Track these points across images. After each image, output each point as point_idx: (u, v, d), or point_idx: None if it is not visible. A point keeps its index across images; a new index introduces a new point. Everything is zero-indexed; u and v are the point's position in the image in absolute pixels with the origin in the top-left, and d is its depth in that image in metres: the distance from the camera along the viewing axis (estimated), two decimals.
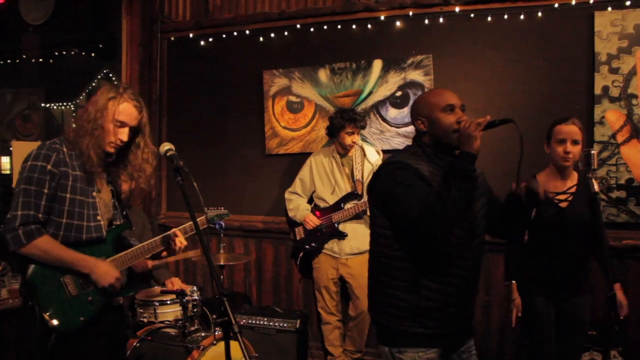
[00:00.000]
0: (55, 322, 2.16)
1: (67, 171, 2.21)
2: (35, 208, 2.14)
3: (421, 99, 2.22)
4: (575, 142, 2.76)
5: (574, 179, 2.85)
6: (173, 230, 2.52)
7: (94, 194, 2.28)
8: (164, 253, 2.56)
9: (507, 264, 3.02)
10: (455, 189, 1.93)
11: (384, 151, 4.13)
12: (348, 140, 3.92)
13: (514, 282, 2.96)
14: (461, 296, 2.09)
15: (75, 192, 2.22)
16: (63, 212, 2.20)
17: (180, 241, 2.49)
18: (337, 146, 4.06)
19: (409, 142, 4.04)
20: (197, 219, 2.09)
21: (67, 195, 2.20)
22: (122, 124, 2.26)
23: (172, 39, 4.94)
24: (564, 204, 2.80)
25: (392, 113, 4.20)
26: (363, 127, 4.01)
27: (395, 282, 2.08)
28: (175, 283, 3.62)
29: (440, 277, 2.04)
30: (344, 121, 3.89)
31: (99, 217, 2.29)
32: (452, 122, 2.06)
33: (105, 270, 2.24)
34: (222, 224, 3.28)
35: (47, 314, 2.15)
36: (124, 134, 2.27)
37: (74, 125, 2.31)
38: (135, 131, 2.33)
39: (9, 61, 7.17)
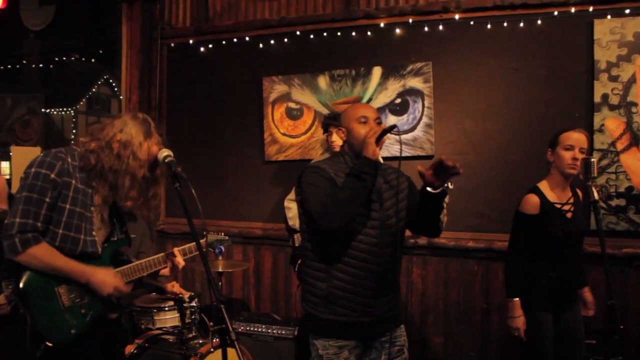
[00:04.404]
0: (45, 332, 2.10)
1: (69, 182, 2.16)
2: (34, 217, 2.09)
3: (344, 111, 2.49)
4: (582, 151, 2.72)
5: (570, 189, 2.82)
6: (173, 250, 2.47)
7: (92, 208, 2.24)
8: (166, 271, 2.51)
9: (509, 280, 2.85)
10: (348, 188, 2.20)
11: (384, 158, 4.09)
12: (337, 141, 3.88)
13: (517, 299, 2.79)
14: (372, 288, 2.29)
15: (76, 204, 2.17)
16: (61, 222, 2.15)
17: (179, 261, 2.44)
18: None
19: (408, 149, 4.12)
20: (199, 240, 2.07)
21: (67, 206, 2.15)
22: None
23: (172, 45, 4.95)
24: (569, 215, 2.77)
25: (391, 120, 4.18)
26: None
27: (312, 272, 2.36)
28: (175, 286, 3.61)
29: (348, 268, 2.28)
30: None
31: (94, 233, 2.24)
32: (364, 132, 2.32)
33: (103, 278, 2.18)
34: (222, 248, 3.20)
35: (38, 323, 2.09)
36: None
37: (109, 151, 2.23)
38: None
39: (9, 66, 7.19)
